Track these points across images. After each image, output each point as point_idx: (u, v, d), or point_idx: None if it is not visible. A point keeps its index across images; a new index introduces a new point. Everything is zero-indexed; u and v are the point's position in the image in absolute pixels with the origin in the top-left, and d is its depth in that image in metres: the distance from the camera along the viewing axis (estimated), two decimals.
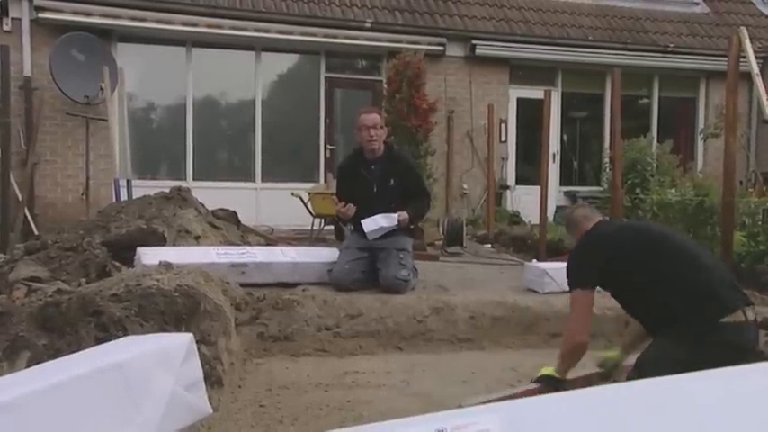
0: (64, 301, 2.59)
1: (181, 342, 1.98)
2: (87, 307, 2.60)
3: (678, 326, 2.59)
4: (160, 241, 4.63)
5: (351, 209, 4.62)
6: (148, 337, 2.32)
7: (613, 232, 3.01)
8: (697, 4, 12.42)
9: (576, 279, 2.87)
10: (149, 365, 1.77)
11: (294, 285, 4.45)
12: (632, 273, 2.75)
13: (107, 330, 2.60)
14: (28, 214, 7.65)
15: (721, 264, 3.15)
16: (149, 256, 4.05)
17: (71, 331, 2.50)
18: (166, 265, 3.52)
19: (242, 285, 4.18)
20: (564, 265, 5.14)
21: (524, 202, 10.05)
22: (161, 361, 1.81)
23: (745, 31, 5.18)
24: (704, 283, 2.62)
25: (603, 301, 4.40)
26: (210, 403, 2.32)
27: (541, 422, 1.06)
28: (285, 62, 10.46)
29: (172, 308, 2.97)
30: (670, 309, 2.65)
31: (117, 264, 4.06)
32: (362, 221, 4.56)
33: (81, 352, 2.17)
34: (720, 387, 1.14)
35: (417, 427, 1.21)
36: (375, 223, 4.54)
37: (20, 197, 7.43)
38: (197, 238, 4.99)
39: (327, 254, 4.83)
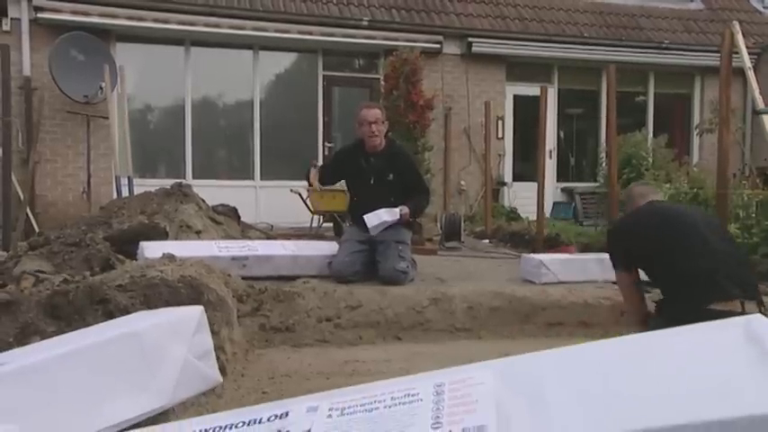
0: (71, 290, 2.65)
1: (192, 314, 2.05)
2: (94, 295, 2.66)
3: (671, 309, 2.67)
4: (162, 236, 4.67)
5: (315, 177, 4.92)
6: (161, 310, 2.38)
7: (637, 218, 3.15)
8: (691, 0, 12.50)
9: (612, 261, 3.10)
10: (163, 335, 1.84)
11: (294, 278, 4.47)
12: (647, 257, 2.87)
13: (114, 318, 2.66)
14: (29, 213, 7.70)
15: (734, 252, 2.95)
16: (152, 249, 4.09)
17: (79, 319, 2.56)
18: (170, 258, 3.58)
19: (243, 278, 4.22)
20: (560, 256, 5.21)
21: (521, 198, 10.12)
22: (174, 331, 1.88)
23: (737, 26, 5.22)
24: (700, 269, 2.65)
25: (599, 292, 4.49)
26: (214, 391, 2.38)
27: (532, 375, 1.14)
28: (283, 61, 10.53)
29: (176, 298, 3.02)
30: (668, 292, 2.73)
31: (120, 257, 4.11)
32: (365, 216, 4.54)
33: (97, 325, 2.23)
34: (695, 341, 1.22)
35: (419, 382, 1.29)
36: (378, 218, 4.52)
37: (21, 196, 7.49)
38: (198, 232, 5.04)
39: (327, 247, 4.87)
